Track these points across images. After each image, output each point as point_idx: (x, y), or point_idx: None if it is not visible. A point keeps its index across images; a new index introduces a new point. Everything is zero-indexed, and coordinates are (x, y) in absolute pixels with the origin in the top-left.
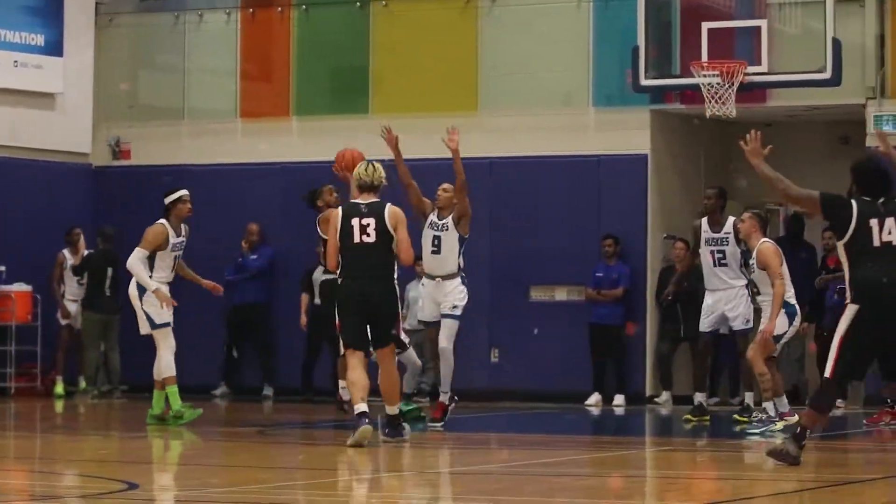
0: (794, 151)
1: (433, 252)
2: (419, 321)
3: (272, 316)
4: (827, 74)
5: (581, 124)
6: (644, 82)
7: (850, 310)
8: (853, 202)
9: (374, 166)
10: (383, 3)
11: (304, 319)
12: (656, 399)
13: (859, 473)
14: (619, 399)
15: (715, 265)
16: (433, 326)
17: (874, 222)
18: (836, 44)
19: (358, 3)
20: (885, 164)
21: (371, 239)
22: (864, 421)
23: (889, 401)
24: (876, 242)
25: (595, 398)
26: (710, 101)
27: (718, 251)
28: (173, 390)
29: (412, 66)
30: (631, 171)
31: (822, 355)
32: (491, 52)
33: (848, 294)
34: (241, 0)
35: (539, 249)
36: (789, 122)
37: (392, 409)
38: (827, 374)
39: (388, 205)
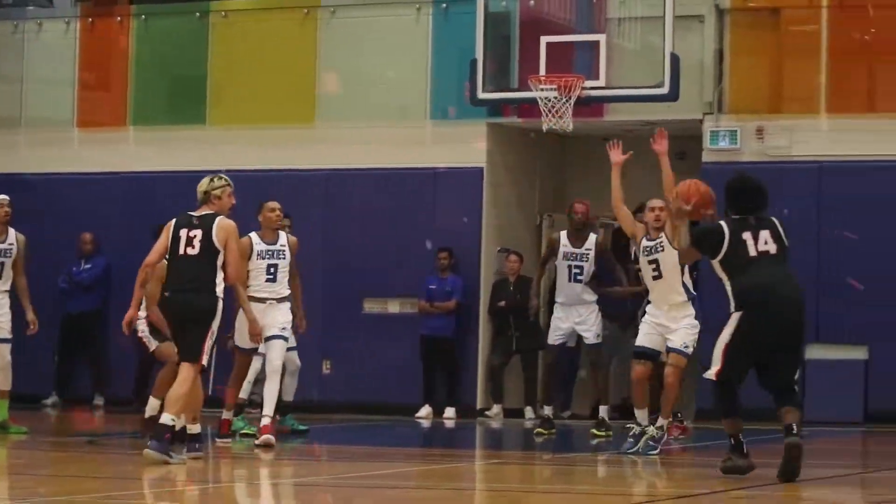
0: (630, 166)
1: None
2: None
3: (105, 325)
4: (665, 90)
5: (418, 137)
6: (481, 95)
7: (735, 318)
8: (722, 224)
9: (217, 178)
10: (222, 13)
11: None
12: (487, 412)
13: (690, 487)
14: (449, 412)
15: (570, 280)
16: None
17: (748, 235)
18: (675, 59)
19: (197, 14)
20: (758, 181)
21: (195, 251)
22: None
23: (678, 414)
24: (752, 252)
25: (426, 410)
26: (547, 115)
27: (577, 266)
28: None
29: (250, 77)
30: (467, 184)
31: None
32: (329, 64)
33: (731, 304)
34: (81, 9)
35: (373, 261)
36: (627, 137)
37: (166, 419)
38: (713, 378)
39: (220, 218)
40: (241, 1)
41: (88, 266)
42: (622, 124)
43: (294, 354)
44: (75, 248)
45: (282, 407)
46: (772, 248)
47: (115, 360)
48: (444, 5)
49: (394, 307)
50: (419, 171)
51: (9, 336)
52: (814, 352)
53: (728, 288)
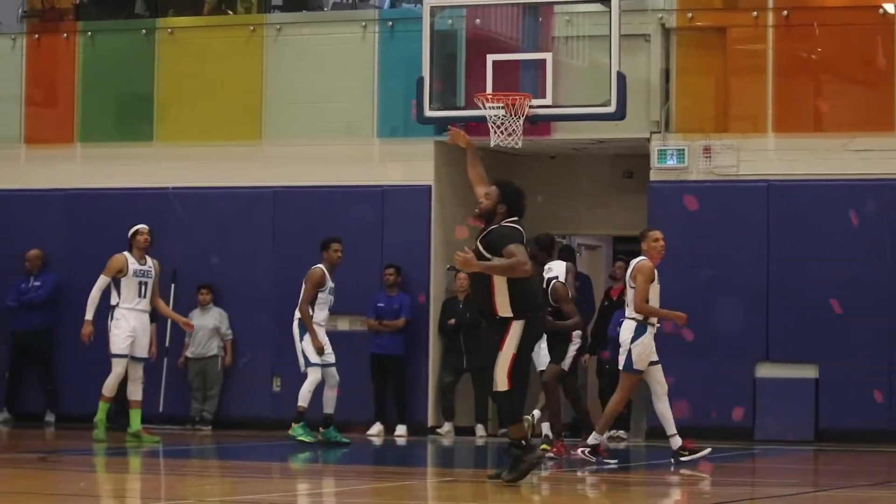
0: (578, 184)
1: None
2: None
3: (55, 342)
4: (612, 108)
5: (366, 155)
6: (428, 114)
7: (519, 325)
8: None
9: None
10: (168, 30)
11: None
12: (438, 430)
13: None
14: (400, 429)
15: None
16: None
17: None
18: (621, 78)
19: (143, 31)
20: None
21: None
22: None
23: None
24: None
25: (377, 428)
26: (495, 133)
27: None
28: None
29: (197, 95)
30: (415, 201)
31: (606, 387)
32: (276, 82)
33: (510, 311)
34: (27, 25)
35: None
36: (574, 155)
37: None
38: (505, 387)
39: None
40: (187, 18)
41: (38, 283)
42: (570, 143)
43: (334, 370)
44: (22, 265)
45: (324, 419)
46: None
47: (65, 377)
48: (391, 23)
49: (343, 325)
50: (367, 188)
51: (146, 355)
52: (764, 370)
53: (508, 295)
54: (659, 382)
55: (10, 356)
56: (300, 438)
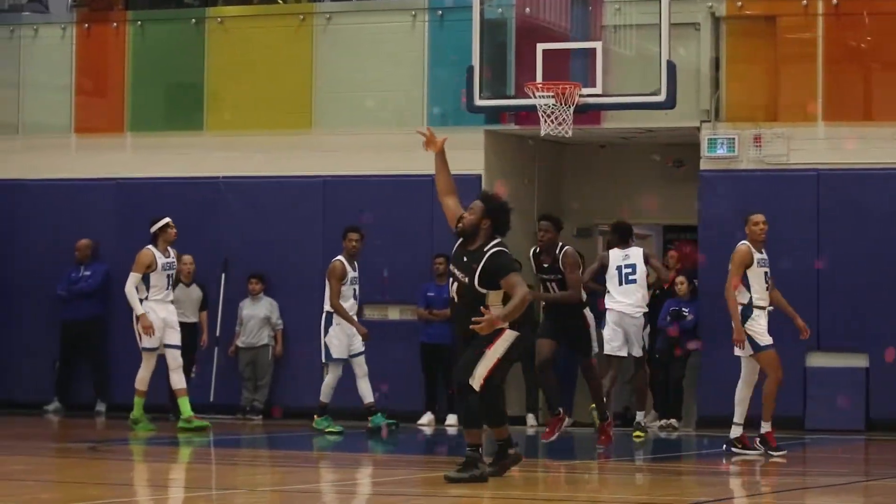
0: (628, 173)
1: None
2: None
3: (105, 331)
4: (661, 97)
5: (415, 143)
6: (478, 102)
7: (512, 334)
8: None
9: None
10: (218, 20)
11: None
12: None
13: (694, 496)
14: (451, 419)
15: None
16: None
17: None
18: (671, 67)
19: (193, 20)
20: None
21: None
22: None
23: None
24: None
25: (427, 418)
26: (545, 122)
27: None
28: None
29: (247, 84)
30: (464, 190)
31: (655, 376)
32: (326, 70)
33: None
34: (77, 15)
35: (372, 268)
36: (624, 144)
37: None
38: (478, 388)
39: None
40: (237, 7)
41: (88, 273)
42: (619, 131)
43: (362, 358)
44: (73, 254)
45: (367, 409)
46: None
47: (116, 367)
48: (440, 12)
49: (394, 314)
50: (416, 177)
51: (178, 343)
52: (814, 359)
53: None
54: (753, 370)
55: (61, 346)
56: (327, 430)
